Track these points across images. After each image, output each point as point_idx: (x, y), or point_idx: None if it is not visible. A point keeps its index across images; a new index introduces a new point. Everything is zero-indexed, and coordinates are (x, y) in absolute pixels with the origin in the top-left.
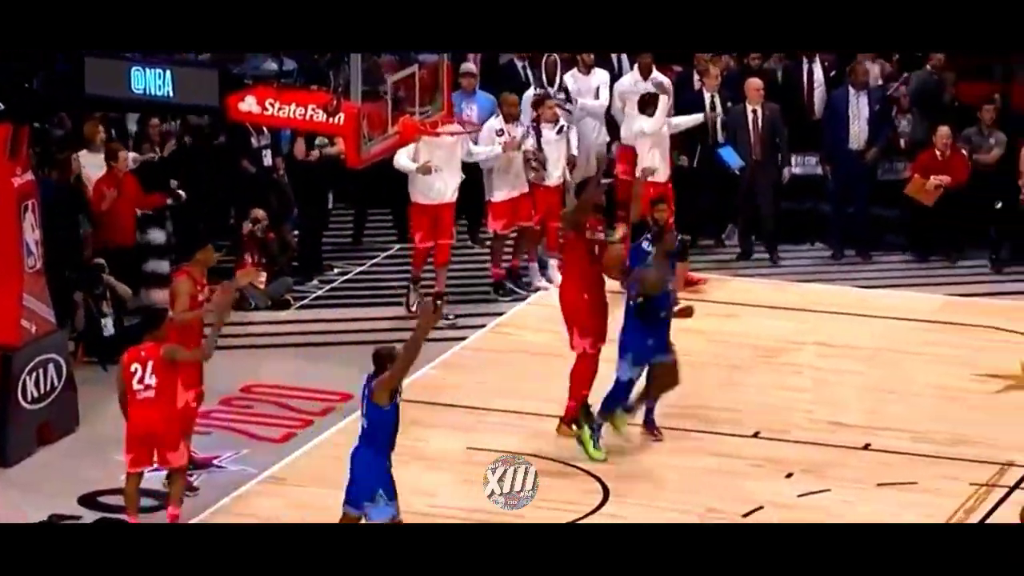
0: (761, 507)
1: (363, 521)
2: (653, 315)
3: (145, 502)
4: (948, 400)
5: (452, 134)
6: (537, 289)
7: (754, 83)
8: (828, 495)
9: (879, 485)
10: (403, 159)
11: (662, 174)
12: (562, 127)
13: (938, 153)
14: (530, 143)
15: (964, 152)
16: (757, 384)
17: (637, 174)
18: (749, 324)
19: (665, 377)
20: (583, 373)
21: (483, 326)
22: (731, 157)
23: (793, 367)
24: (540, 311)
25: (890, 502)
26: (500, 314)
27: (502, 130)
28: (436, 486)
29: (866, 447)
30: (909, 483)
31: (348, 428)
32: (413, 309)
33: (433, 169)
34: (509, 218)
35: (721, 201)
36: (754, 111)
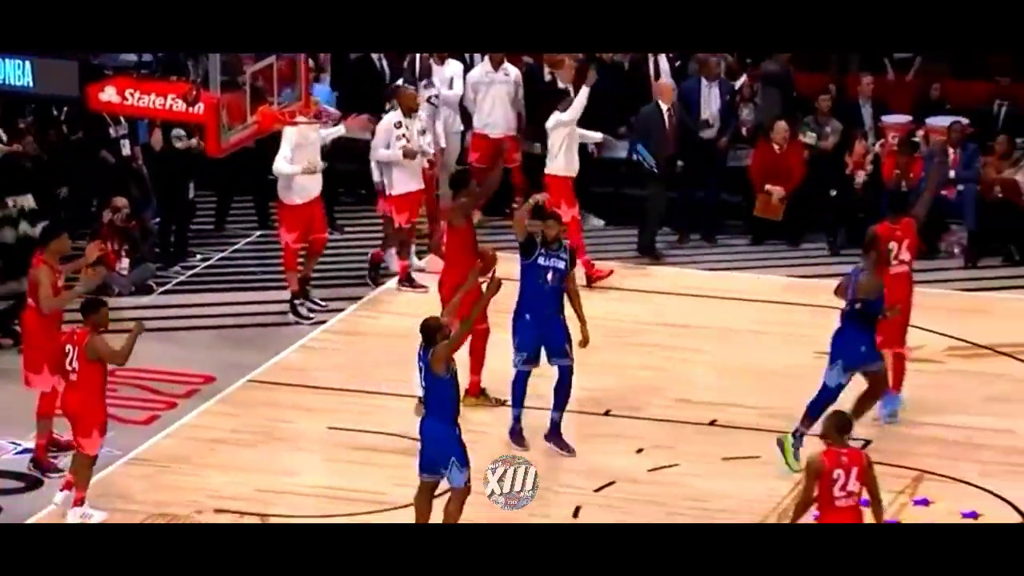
0: (613, 482)
1: (444, 484)
2: (869, 320)
3: (11, 484)
4: (790, 377)
5: (310, 124)
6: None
7: (668, 84)
8: (677, 469)
9: (725, 459)
10: (284, 165)
11: (572, 169)
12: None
13: (776, 146)
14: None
15: (801, 144)
16: (609, 364)
17: (535, 199)
18: (601, 306)
19: (878, 386)
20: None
21: (342, 310)
22: (646, 155)
23: (644, 347)
24: (399, 295)
25: (736, 475)
26: (359, 298)
27: (400, 123)
28: (298, 465)
29: (712, 423)
30: (753, 457)
31: (211, 410)
32: (311, 318)
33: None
34: (411, 211)
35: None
36: (668, 110)
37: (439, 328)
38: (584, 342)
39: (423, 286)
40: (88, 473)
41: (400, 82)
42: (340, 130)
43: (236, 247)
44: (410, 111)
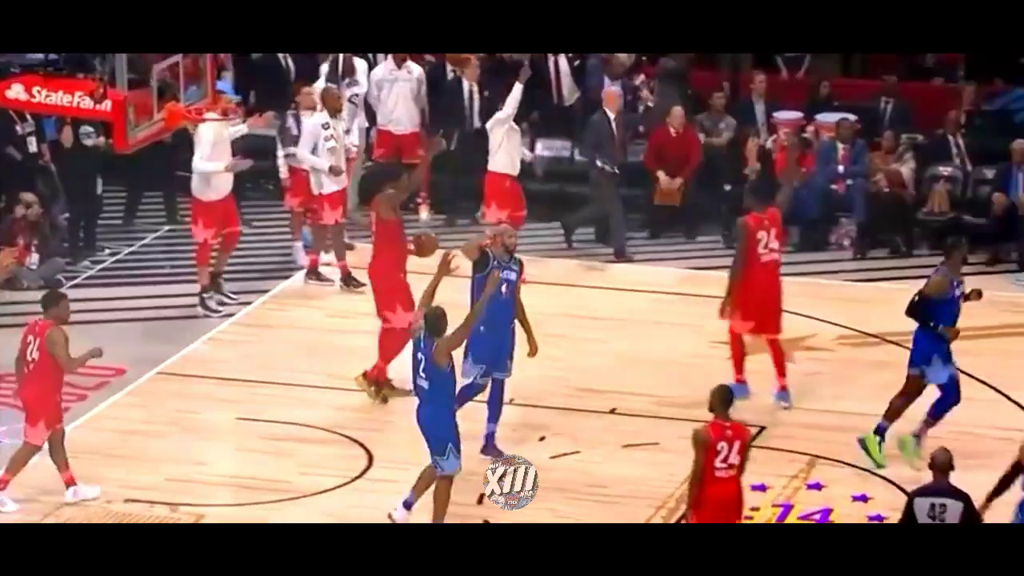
0: None
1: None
2: (936, 318)
3: None
4: (687, 366)
5: (219, 120)
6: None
7: (614, 92)
8: (578, 456)
9: (625, 446)
10: (205, 164)
11: (513, 167)
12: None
13: (672, 131)
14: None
15: (695, 129)
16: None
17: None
18: None
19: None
20: (397, 343)
21: (251, 303)
22: (607, 162)
23: (546, 337)
24: (305, 288)
25: (635, 462)
26: (266, 291)
27: (328, 123)
28: (207, 454)
29: (612, 411)
30: (652, 444)
31: (121, 402)
32: (219, 311)
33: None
34: (342, 208)
35: (480, 181)
36: (615, 118)
37: (444, 317)
38: (533, 352)
39: (330, 280)
40: (23, 462)
41: (322, 82)
42: (243, 128)
43: (144, 242)
44: (336, 111)
